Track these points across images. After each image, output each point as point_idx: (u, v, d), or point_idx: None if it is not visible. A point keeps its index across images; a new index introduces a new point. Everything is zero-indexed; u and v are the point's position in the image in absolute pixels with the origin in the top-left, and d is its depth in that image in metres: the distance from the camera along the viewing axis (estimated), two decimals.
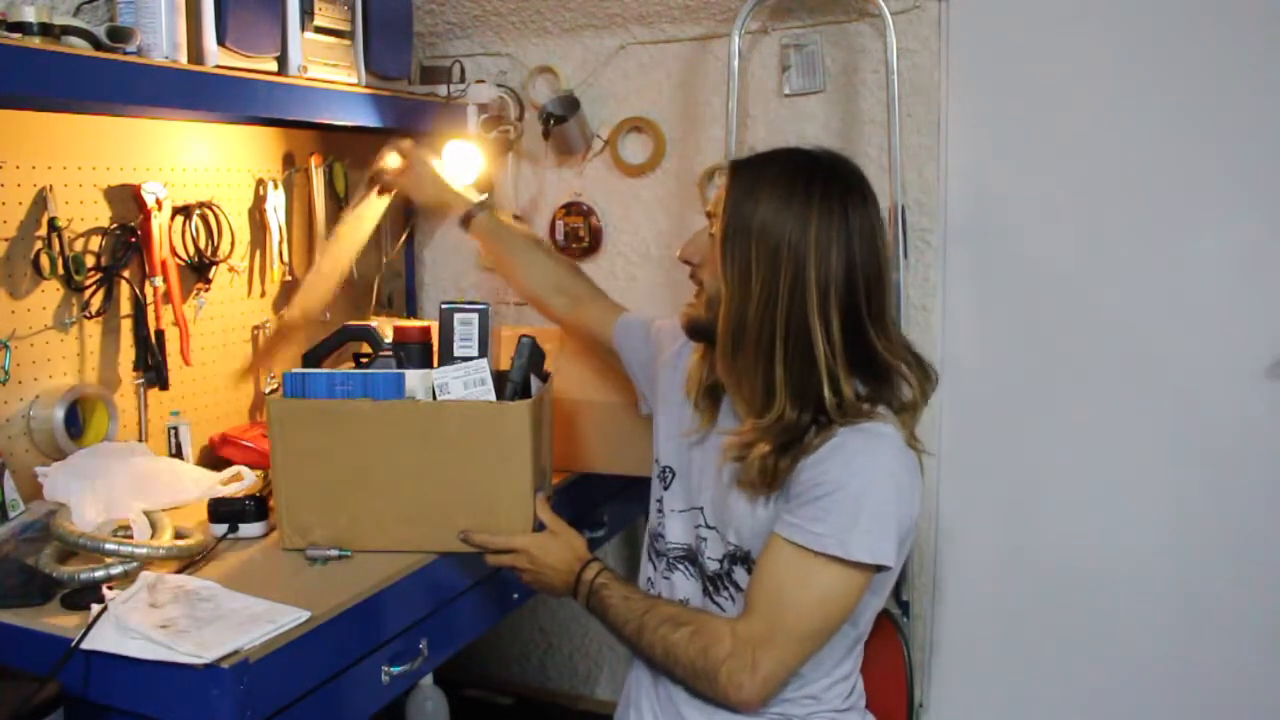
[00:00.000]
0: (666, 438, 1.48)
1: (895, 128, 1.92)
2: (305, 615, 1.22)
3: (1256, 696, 1.91)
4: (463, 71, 2.20)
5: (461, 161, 2.21)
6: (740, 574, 1.33)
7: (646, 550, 1.50)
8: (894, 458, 1.26)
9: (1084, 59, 1.91)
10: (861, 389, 1.28)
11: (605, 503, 1.92)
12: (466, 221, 1.77)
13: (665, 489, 1.46)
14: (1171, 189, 1.88)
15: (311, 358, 1.80)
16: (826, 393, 1.24)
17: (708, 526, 1.38)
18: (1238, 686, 1.92)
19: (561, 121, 2.19)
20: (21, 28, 1.36)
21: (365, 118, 1.92)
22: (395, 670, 1.37)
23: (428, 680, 1.99)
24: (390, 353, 1.70)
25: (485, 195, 1.82)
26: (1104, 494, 1.98)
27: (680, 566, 1.42)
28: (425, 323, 1.81)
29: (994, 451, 2.06)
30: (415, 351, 1.64)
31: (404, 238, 2.39)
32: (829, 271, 1.24)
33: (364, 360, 1.74)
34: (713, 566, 1.37)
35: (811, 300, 1.24)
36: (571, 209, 2.31)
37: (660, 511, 1.46)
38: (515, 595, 1.66)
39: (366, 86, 1.93)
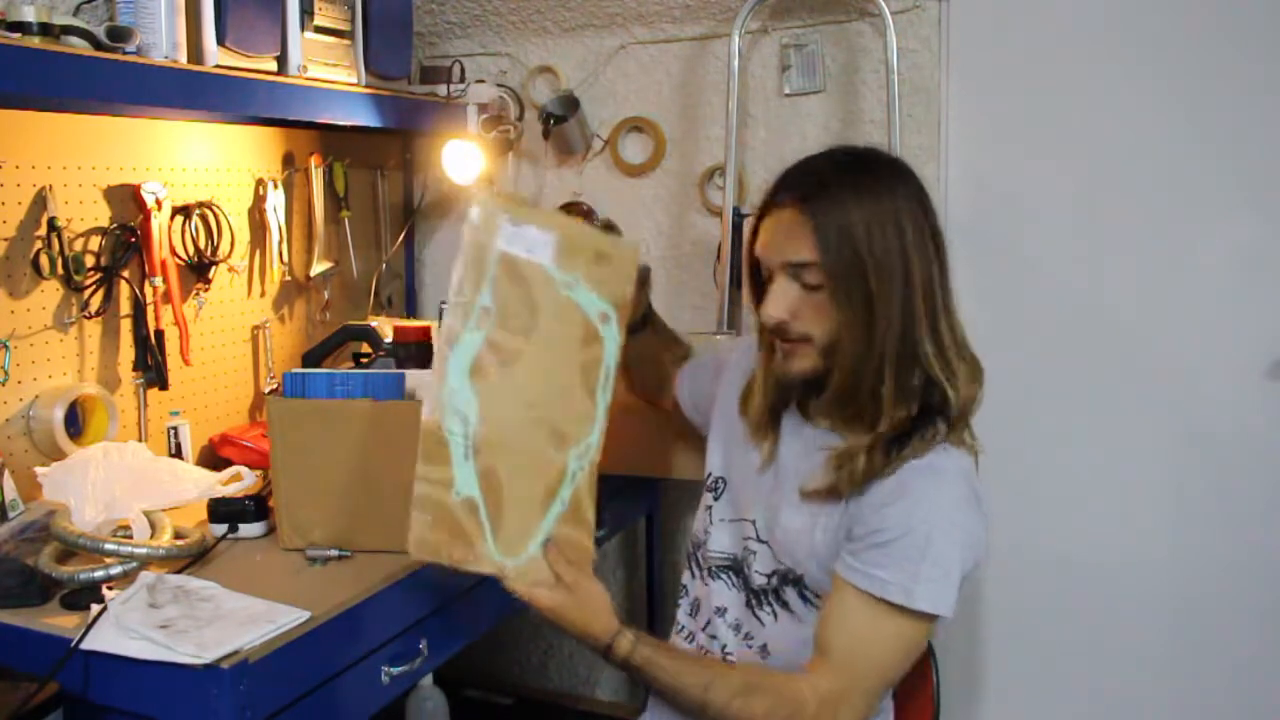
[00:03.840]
0: (721, 446, 1.45)
1: (895, 128, 1.92)
2: (305, 615, 1.22)
3: (1257, 697, 1.91)
4: (463, 71, 2.19)
5: (461, 161, 2.22)
6: (791, 595, 1.31)
7: (687, 556, 1.48)
8: (958, 497, 1.23)
9: (1084, 58, 1.91)
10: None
11: (605, 503, 1.91)
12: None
13: (716, 499, 1.43)
14: (1172, 188, 1.88)
15: (311, 358, 1.81)
16: (934, 396, 1.24)
17: (759, 540, 1.35)
18: (1239, 686, 1.92)
19: (561, 121, 2.19)
20: (21, 28, 1.36)
21: (365, 118, 1.92)
22: (395, 670, 1.37)
23: (428, 680, 1.98)
24: (389, 353, 1.70)
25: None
26: (1104, 494, 1.98)
27: (722, 576, 1.39)
28: (425, 323, 1.80)
29: (993, 451, 2.05)
30: (415, 351, 1.64)
31: (403, 237, 2.39)
32: (927, 277, 1.22)
33: (364, 360, 1.74)
34: (759, 581, 1.34)
35: (919, 311, 1.22)
36: (571, 209, 2.31)
37: (709, 520, 1.43)
38: None
39: (366, 86, 1.93)
